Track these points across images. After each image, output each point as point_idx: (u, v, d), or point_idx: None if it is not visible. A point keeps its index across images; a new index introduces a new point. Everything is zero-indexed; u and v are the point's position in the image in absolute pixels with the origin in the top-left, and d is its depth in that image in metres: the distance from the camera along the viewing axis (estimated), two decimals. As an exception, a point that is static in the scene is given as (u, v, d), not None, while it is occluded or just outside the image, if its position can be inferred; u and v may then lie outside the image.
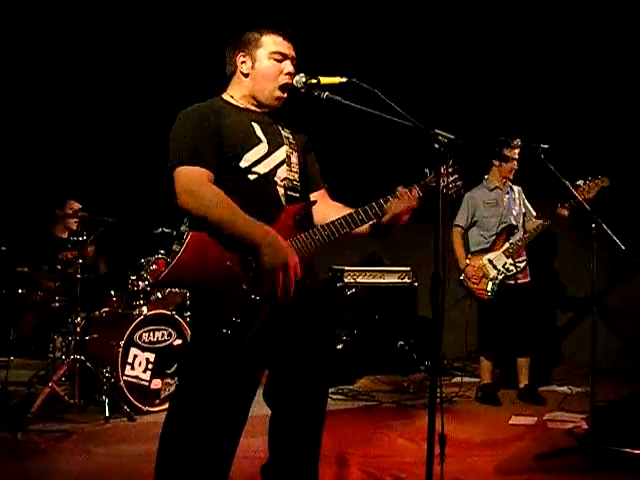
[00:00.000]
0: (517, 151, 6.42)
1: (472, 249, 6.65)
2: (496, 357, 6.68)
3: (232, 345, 2.79)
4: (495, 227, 6.52)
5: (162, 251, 6.47)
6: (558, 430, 5.43)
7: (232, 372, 2.90)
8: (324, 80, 2.99)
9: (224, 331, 2.76)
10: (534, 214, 6.59)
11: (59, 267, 6.48)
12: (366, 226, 3.14)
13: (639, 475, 4.27)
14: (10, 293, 6.42)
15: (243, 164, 2.97)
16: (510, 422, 5.71)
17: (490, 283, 6.36)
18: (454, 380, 7.68)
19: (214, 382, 2.89)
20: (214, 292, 2.81)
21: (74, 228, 6.43)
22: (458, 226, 6.67)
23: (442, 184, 3.15)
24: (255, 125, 3.08)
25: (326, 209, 3.25)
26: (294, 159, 3.17)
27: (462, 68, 8.60)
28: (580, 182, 5.81)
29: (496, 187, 6.65)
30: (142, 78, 8.65)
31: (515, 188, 6.71)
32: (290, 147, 3.16)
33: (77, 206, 7.06)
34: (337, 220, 3.04)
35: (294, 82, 3.04)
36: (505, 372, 7.06)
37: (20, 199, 8.52)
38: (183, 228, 2.98)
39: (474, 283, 6.40)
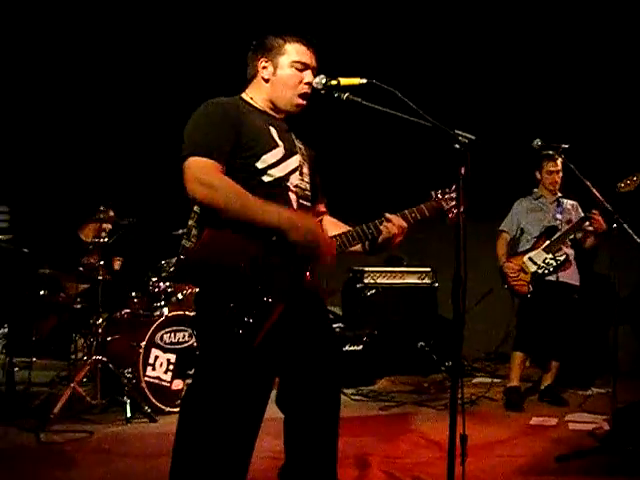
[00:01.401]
0: (556, 163, 6.52)
1: (518, 251, 6.71)
2: (532, 356, 6.75)
3: (243, 345, 2.77)
4: (538, 231, 6.59)
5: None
6: (579, 431, 5.41)
7: (242, 373, 2.87)
8: (344, 81, 2.99)
9: (236, 330, 2.74)
10: None
11: (81, 269, 6.52)
12: (360, 245, 3.18)
13: (661, 476, 4.26)
14: (32, 295, 6.46)
15: (260, 165, 2.96)
16: (531, 423, 5.70)
17: (530, 277, 6.41)
18: (474, 381, 7.68)
19: (224, 383, 2.87)
20: (227, 291, 2.79)
21: (99, 232, 6.46)
22: (502, 231, 6.83)
23: (445, 206, 3.20)
24: (272, 129, 3.08)
25: (324, 224, 3.28)
26: (305, 169, 3.18)
27: (481, 68, 8.59)
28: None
29: (541, 196, 6.74)
30: (164, 82, 8.68)
31: (567, 202, 6.69)
32: (302, 157, 3.17)
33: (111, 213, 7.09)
34: (337, 237, 3.07)
35: (314, 84, 3.04)
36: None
37: (45, 201, 8.59)
38: (191, 223, 2.97)
39: (512, 277, 6.48)
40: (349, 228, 3.16)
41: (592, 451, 4.69)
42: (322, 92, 3.03)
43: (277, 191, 3.00)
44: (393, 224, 3.09)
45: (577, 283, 6.55)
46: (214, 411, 2.87)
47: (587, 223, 6.23)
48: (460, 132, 2.83)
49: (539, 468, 4.49)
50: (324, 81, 3.01)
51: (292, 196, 3.06)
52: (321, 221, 3.24)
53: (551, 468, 4.46)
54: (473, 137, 2.83)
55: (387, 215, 3.12)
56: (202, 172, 2.81)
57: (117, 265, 7.40)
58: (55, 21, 8.21)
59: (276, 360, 2.96)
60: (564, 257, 6.41)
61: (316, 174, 3.34)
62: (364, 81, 2.98)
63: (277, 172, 3.01)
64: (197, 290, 3.02)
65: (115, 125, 9.02)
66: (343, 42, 8.03)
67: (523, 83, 8.53)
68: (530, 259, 6.47)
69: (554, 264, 6.38)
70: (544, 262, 6.40)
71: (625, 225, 4.96)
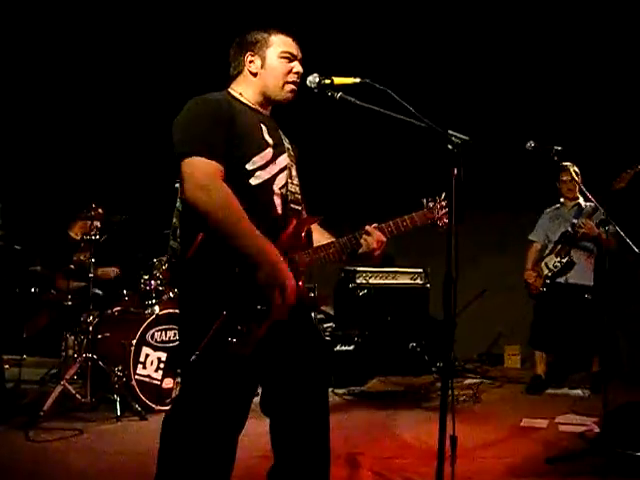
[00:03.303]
0: (567, 172, 6.83)
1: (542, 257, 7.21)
2: (547, 353, 7.19)
3: (236, 354, 2.72)
4: (557, 238, 7.04)
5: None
6: (569, 433, 5.40)
7: (232, 381, 2.82)
8: (338, 80, 2.96)
9: (229, 339, 2.69)
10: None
11: (72, 267, 6.52)
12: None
13: (651, 479, 4.26)
14: (23, 292, 6.44)
15: (249, 166, 2.89)
16: (521, 424, 5.69)
17: (542, 280, 6.97)
18: (466, 382, 7.69)
19: (213, 391, 2.82)
20: (220, 297, 2.73)
21: (89, 229, 6.44)
22: (532, 241, 7.40)
23: (436, 215, 3.20)
24: (263, 127, 3.02)
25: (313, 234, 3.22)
26: (294, 171, 3.12)
27: (475, 70, 8.60)
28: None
29: (562, 204, 7.25)
30: (157, 80, 8.68)
31: (589, 204, 6.87)
32: (290, 158, 3.11)
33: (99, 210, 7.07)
34: (323, 249, 3.02)
35: (307, 82, 3.00)
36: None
37: (36, 199, 8.57)
38: (175, 221, 2.91)
39: (530, 282, 7.06)
40: (331, 237, 3.13)
41: (582, 453, 4.69)
42: (315, 91, 2.99)
43: (262, 195, 2.92)
44: (373, 238, 3.08)
45: (589, 283, 6.81)
46: (202, 415, 2.83)
47: (580, 229, 6.67)
48: (453, 133, 2.83)
49: (529, 470, 4.49)
50: (317, 80, 2.97)
51: (277, 200, 2.97)
52: (311, 232, 3.18)
53: (541, 470, 4.46)
54: (467, 138, 2.82)
55: (367, 228, 3.10)
56: (207, 178, 2.72)
57: (113, 274, 7.36)
58: (45, 22, 8.20)
59: (263, 366, 2.90)
60: (567, 259, 6.84)
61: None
62: (358, 80, 2.95)
63: (265, 174, 2.93)
64: (182, 293, 2.94)
65: (106, 123, 9.02)
66: (337, 42, 8.03)
67: (517, 85, 8.54)
68: (545, 264, 7.03)
69: (559, 266, 6.87)
70: (553, 265, 6.91)
71: (617, 228, 5.09)
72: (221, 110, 2.89)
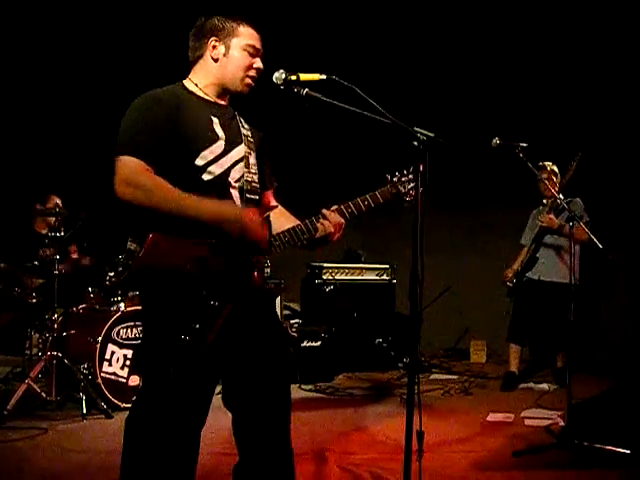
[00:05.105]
0: (545, 172, 6.96)
1: None
2: (525, 346, 7.43)
3: (191, 351, 2.71)
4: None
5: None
6: (535, 427, 5.45)
7: (191, 377, 2.81)
8: (304, 77, 2.93)
9: (182, 337, 2.69)
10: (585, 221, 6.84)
11: (37, 263, 6.44)
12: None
13: (614, 471, 4.30)
14: (-14, 289, 6.37)
15: (199, 162, 2.86)
16: (487, 419, 5.73)
17: (513, 275, 7.13)
18: (431, 377, 7.73)
19: (173, 387, 2.79)
20: (173, 296, 2.73)
21: (53, 224, 6.38)
22: (521, 245, 7.45)
23: (402, 190, 3.17)
24: (215, 119, 2.98)
25: (272, 218, 3.20)
26: (252, 160, 3.08)
27: (442, 66, 8.64)
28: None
29: (543, 203, 7.25)
30: (118, 74, 8.62)
31: (566, 200, 6.85)
32: (248, 147, 3.08)
33: (57, 201, 7.01)
34: (278, 237, 3.02)
35: (274, 78, 2.97)
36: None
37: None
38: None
39: (507, 276, 7.20)
40: (297, 221, 3.10)
41: (548, 446, 4.74)
42: (281, 87, 2.96)
43: (217, 189, 2.90)
44: (330, 222, 3.04)
45: (562, 280, 6.71)
46: (162, 413, 2.82)
47: (542, 223, 6.82)
48: (419, 129, 2.82)
49: (496, 464, 4.53)
50: (284, 76, 2.93)
51: (234, 193, 2.97)
52: (269, 217, 3.14)
53: (508, 463, 4.51)
54: (432, 134, 2.82)
55: (324, 211, 3.07)
56: (130, 173, 2.73)
57: (75, 254, 7.31)
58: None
59: (223, 361, 2.90)
60: (529, 255, 7.00)
61: (265, 158, 3.24)
62: (324, 77, 2.92)
63: (217, 168, 2.91)
64: (140, 294, 2.94)
65: (71, 117, 8.93)
66: (304, 38, 8.03)
67: (484, 82, 8.60)
68: (521, 261, 7.17)
69: (526, 262, 7.05)
70: (522, 262, 7.07)
71: (582, 224, 5.27)
72: (160, 107, 2.86)
